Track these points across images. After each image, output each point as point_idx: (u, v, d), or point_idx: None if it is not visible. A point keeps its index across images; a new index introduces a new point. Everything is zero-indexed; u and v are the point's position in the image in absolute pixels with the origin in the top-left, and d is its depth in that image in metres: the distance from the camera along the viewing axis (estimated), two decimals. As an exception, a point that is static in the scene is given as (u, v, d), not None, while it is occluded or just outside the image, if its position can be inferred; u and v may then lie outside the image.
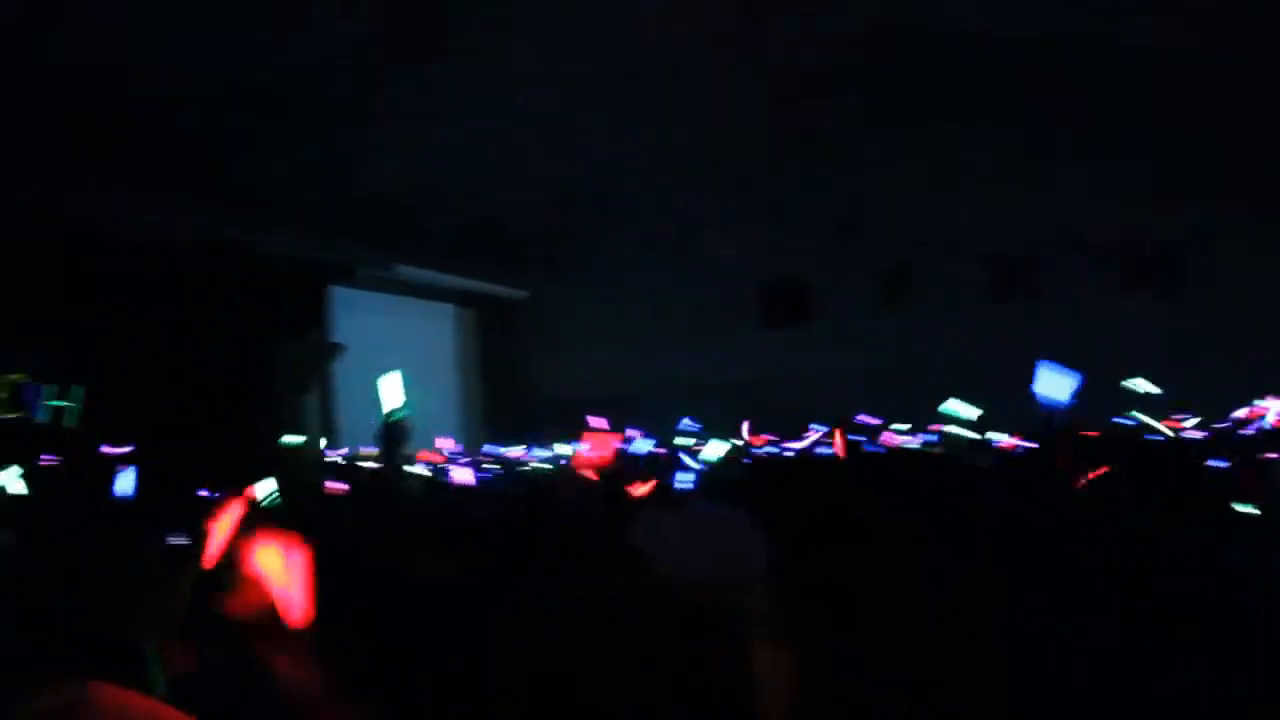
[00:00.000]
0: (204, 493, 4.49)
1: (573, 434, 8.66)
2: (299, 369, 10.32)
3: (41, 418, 8.14)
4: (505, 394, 13.67)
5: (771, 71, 8.32)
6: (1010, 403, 4.49)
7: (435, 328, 13.46)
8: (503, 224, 11.01)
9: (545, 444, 8.96)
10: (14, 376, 8.17)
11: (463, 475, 4.96)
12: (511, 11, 6.76)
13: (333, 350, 10.80)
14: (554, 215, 10.91)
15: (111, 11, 5.97)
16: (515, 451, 8.97)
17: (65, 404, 8.24)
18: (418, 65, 7.16)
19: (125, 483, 4.21)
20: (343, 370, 11.00)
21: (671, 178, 10.36)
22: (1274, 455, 4.15)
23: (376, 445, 5.20)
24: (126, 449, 4.16)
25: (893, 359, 10.99)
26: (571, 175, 9.59)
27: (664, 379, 11.74)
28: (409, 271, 11.69)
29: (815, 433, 7.42)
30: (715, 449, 5.12)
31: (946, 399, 6.04)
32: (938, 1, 7.68)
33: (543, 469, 7.51)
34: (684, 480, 4.41)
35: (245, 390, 9.40)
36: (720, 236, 11.68)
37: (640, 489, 4.05)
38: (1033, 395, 3.63)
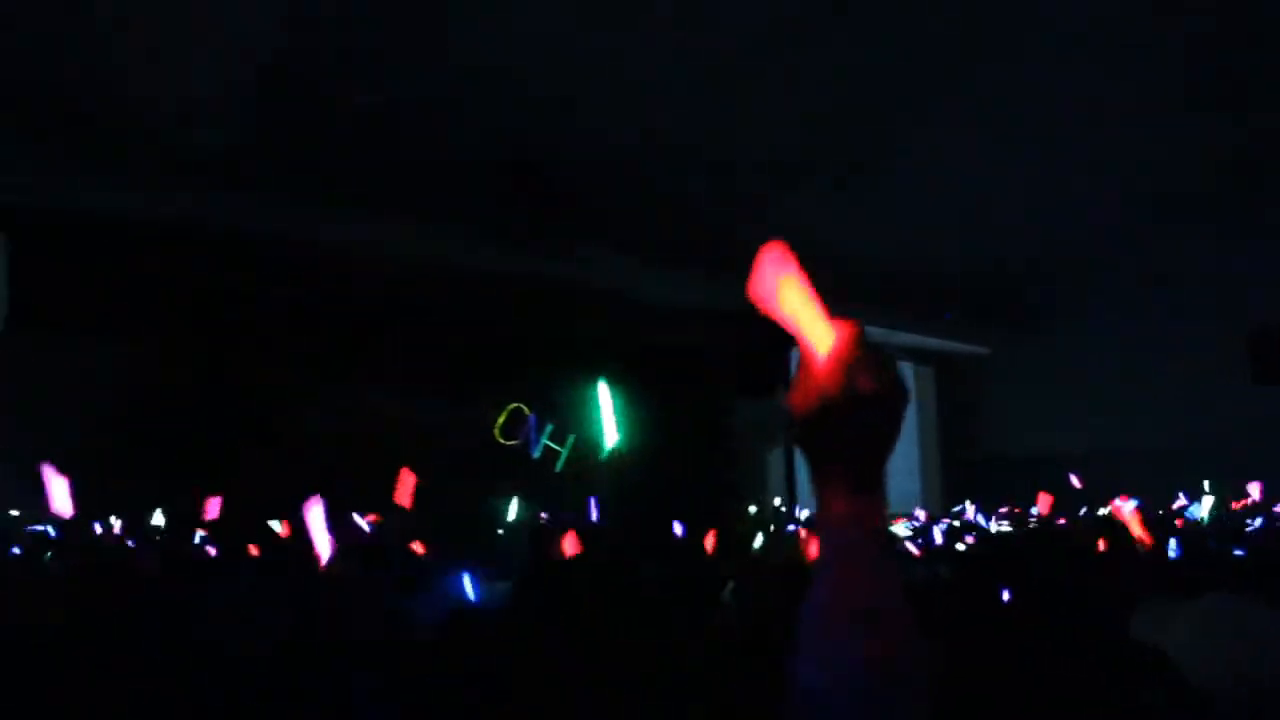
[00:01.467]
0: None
1: (1037, 495, 8.22)
2: (763, 428, 10.73)
3: (535, 455, 8.92)
4: (966, 453, 13.24)
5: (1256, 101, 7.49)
6: None
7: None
8: (969, 279, 10.74)
9: (1009, 504, 8.53)
10: (519, 406, 8.99)
11: (926, 539, 4.89)
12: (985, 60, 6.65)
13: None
14: (1023, 269, 10.45)
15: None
16: (977, 514, 8.63)
17: (555, 446, 8.97)
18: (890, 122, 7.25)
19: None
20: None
21: (1148, 223, 9.56)
22: None
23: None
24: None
25: None
26: (1043, 228, 9.16)
27: (1139, 437, 10.85)
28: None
29: None
30: (1205, 504, 4.58)
31: None
32: None
33: (1007, 531, 7.16)
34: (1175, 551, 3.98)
35: (712, 448, 9.92)
36: (1202, 284, 10.56)
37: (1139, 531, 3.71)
38: None
